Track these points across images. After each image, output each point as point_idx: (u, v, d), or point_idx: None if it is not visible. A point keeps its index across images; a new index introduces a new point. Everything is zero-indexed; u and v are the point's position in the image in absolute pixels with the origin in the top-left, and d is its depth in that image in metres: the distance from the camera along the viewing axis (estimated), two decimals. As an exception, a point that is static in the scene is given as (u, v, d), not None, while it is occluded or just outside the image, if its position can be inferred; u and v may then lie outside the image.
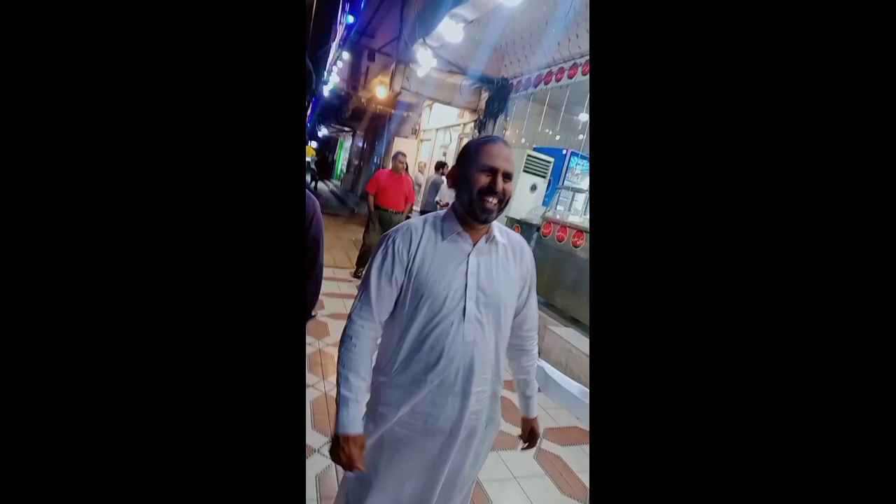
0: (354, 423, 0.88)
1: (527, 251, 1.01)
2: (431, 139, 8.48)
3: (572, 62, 4.39)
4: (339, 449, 0.88)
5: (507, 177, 0.88)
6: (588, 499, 1.88)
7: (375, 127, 11.24)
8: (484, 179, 0.87)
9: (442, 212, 0.96)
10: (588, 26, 3.74)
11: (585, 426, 2.48)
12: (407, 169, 4.74)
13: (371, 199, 4.49)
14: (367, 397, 0.94)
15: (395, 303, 0.92)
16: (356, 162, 14.66)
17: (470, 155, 0.90)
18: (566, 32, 4.04)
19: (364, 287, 0.92)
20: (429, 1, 5.27)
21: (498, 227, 0.96)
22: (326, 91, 12.21)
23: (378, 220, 4.50)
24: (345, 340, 0.92)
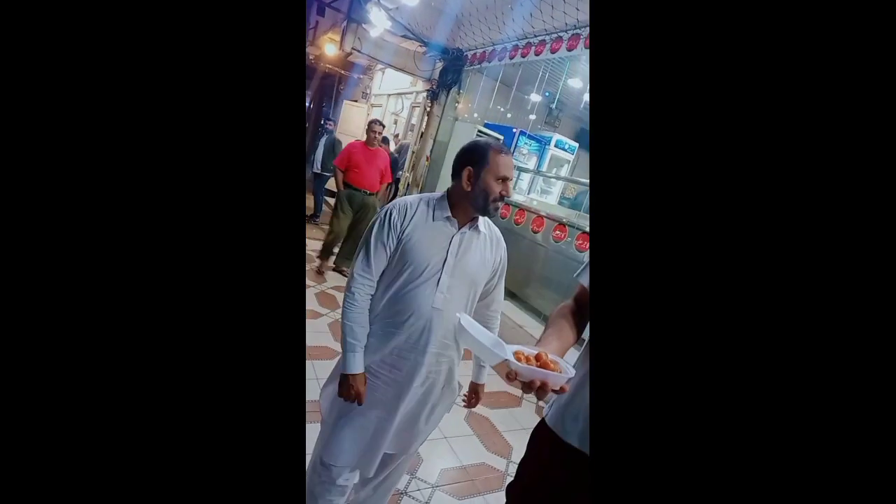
0: (359, 365, 1.10)
1: (502, 243, 1.22)
2: (382, 105, 8.23)
3: (526, 41, 4.43)
4: (348, 386, 1.10)
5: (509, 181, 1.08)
6: (510, 454, 2.08)
7: (323, 87, 10.67)
8: (497, 188, 1.06)
9: (437, 193, 1.14)
10: (550, 8, 3.77)
11: (502, 380, 2.68)
12: (385, 141, 3.99)
13: (339, 175, 3.74)
14: (365, 342, 1.13)
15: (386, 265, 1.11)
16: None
17: (486, 162, 1.06)
18: (532, 9, 4.04)
19: (364, 248, 1.11)
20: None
21: (483, 219, 1.15)
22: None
23: (348, 202, 3.75)
24: (347, 296, 1.12)
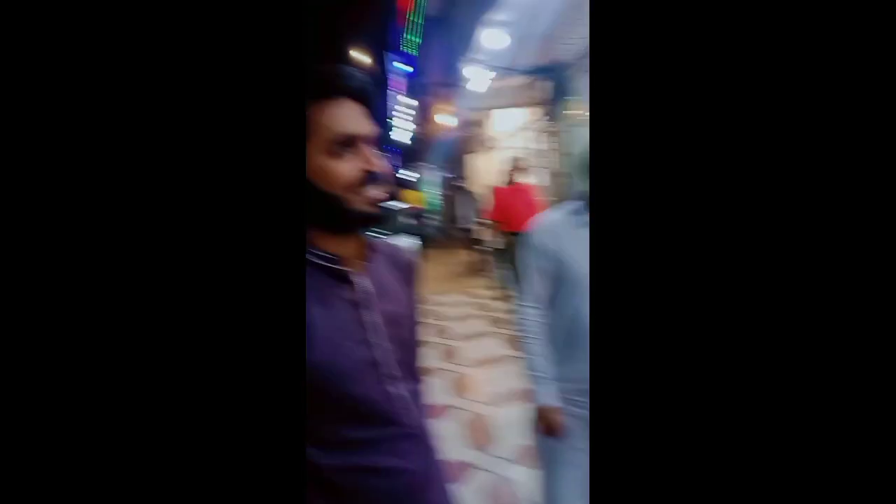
0: (549, 396, 1.03)
1: None
2: (501, 146, 8.47)
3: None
4: (540, 419, 1.03)
5: None
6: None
7: (458, 157, 11.58)
8: None
9: (578, 203, 1.05)
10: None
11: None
12: (522, 174, 3.81)
13: (498, 227, 3.56)
14: (552, 372, 1.06)
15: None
16: (447, 193, 15.21)
17: None
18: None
19: (523, 279, 1.08)
20: (466, 18, 5.43)
21: None
22: (406, 139, 13.05)
23: (510, 250, 3.51)
24: (519, 330, 1.08)
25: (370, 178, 0.54)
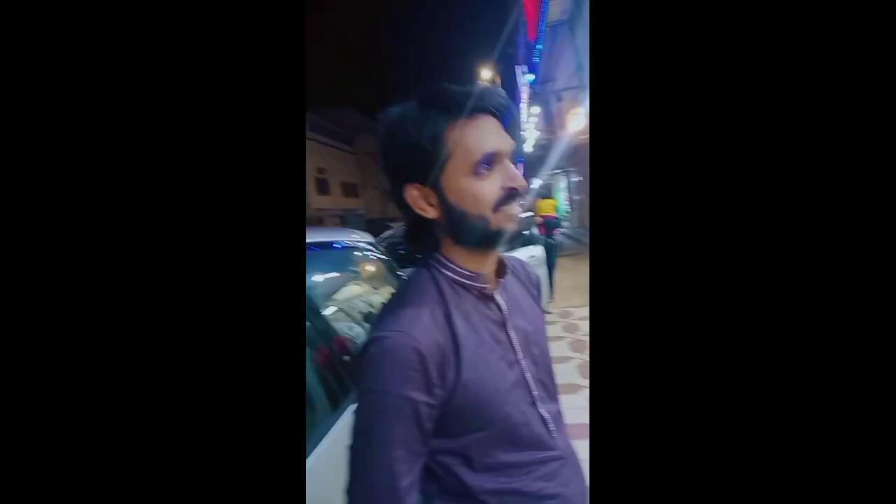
0: None
1: None
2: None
3: None
4: None
5: None
6: None
7: (584, 157, 11.12)
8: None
9: None
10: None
11: None
12: None
13: None
14: None
15: None
16: (576, 197, 14.59)
17: None
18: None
19: None
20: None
21: None
22: (529, 147, 13.00)
23: None
24: None
25: (511, 194, 0.53)
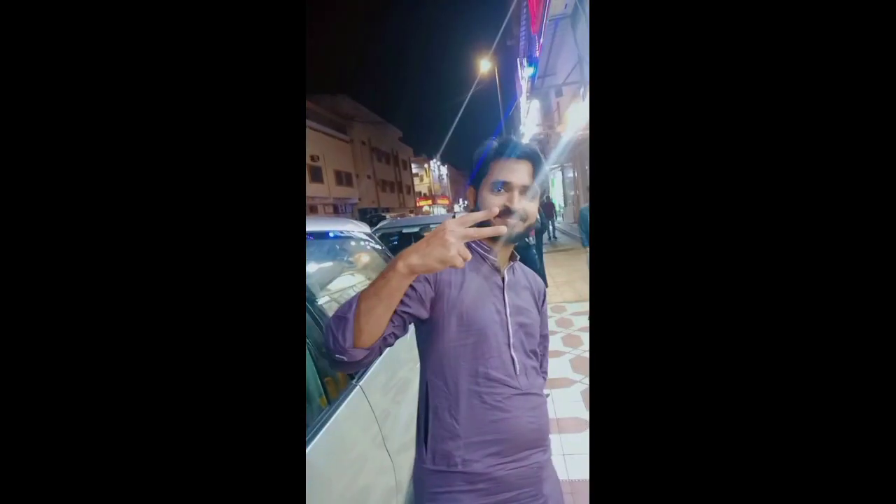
0: None
1: None
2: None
3: None
4: None
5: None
6: None
7: (581, 153, 11.12)
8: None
9: None
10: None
11: None
12: None
13: None
14: None
15: None
16: (571, 193, 14.64)
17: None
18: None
19: None
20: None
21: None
22: (526, 140, 12.94)
23: None
24: None
25: (507, 211, 0.79)
